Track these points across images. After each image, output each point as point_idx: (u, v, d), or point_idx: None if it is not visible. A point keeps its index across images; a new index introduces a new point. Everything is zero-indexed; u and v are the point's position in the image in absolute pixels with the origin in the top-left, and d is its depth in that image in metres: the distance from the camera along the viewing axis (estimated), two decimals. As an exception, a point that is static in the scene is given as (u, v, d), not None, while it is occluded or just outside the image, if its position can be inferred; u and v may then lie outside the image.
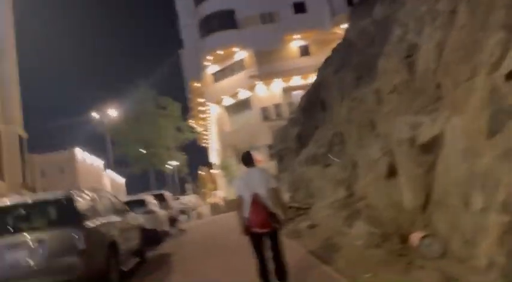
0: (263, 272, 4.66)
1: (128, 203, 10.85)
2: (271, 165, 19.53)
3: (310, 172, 13.43)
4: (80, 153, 55.06)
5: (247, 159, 4.94)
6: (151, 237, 10.93)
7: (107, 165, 48.26)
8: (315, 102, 17.32)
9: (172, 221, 17.90)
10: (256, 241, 4.67)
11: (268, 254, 4.67)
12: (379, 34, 12.77)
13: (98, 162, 62.79)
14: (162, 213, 14.32)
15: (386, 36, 11.87)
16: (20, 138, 28.85)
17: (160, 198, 17.28)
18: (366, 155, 8.11)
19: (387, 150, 6.88)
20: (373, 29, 13.62)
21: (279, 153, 18.95)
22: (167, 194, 19.21)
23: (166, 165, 46.26)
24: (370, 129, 8.88)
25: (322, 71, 17.56)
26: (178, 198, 28.63)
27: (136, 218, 9.18)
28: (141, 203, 12.27)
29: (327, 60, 17.95)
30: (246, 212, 4.63)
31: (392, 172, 6.44)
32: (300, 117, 18.16)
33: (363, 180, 7.86)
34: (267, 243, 4.67)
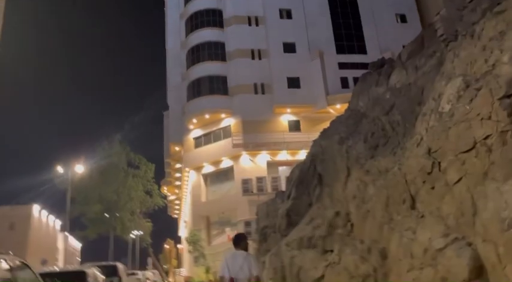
0: None
1: (60, 276, 7.89)
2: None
3: (304, 258, 10.85)
4: (37, 210, 50.37)
5: (237, 241, 4.94)
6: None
7: (65, 227, 43.50)
8: (310, 176, 15.23)
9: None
10: None
11: None
12: (400, 100, 11.11)
13: (55, 222, 57.74)
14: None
15: (412, 100, 10.10)
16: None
17: (111, 271, 14.09)
18: (409, 242, 5.69)
19: (460, 237, 4.52)
20: (390, 97, 12.06)
21: (262, 232, 16.19)
22: (121, 267, 15.83)
23: (128, 234, 41.72)
24: (407, 206, 6.59)
25: (319, 142, 15.69)
26: (134, 273, 24.94)
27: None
28: (80, 278, 9.10)
29: (326, 131, 16.25)
30: None
31: (479, 273, 4.01)
32: (291, 191, 15.84)
33: (407, 277, 5.36)
34: None
